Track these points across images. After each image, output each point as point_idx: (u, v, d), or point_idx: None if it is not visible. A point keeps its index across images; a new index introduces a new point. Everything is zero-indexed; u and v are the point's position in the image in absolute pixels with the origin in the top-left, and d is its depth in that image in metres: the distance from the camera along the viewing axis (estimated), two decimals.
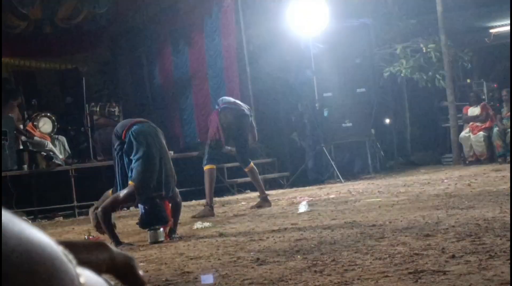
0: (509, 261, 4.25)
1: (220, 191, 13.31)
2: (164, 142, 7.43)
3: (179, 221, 7.76)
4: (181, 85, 16.84)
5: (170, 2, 15.84)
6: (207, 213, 9.52)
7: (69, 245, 0.64)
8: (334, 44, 14.52)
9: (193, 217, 9.45)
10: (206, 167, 10.05)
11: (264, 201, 10.08)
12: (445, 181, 11.08)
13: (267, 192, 12.01)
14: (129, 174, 7.15)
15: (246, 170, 10.28)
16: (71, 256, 0.62)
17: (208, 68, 16.08)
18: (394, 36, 16.25)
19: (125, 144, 7.18)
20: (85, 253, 0.67)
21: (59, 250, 0.61)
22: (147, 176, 7.03)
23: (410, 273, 4.25)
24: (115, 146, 7.29)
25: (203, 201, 11.10)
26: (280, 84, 15.86)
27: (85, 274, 0.63)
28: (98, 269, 0.68)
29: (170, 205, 7.44)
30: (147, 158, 7.07)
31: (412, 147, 17.15)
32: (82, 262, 0.63)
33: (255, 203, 10.45)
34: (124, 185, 7.23)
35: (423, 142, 17.22)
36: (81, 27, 15.88)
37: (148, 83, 17.43)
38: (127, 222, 9.79)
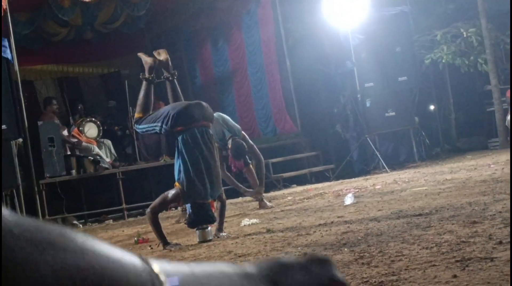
0: None
1: (266, 186, 13.35)
2: (214, 144, 7.38)
3: (225, 219, 7.83)
4: (222, 83, 16.93)
5: (207, 1, 15.93)
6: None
7: None
8: (373, 34, 14.46)
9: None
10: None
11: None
12: (492, 166, 10.96)
13: (313, 185, 12.09)
14: (176, 175, 7.21)
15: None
16: (150, 262, 0.67)
17: (248, 64, 16.15)
18: (434, 23, 16.10)
19: (176, 137, 7.21)
20: None
21: (131, 261, 0.66)
22: (191, 182, 7.04)
23: (457, 261, 4.24)
24: (161, 125, 7.25)
25: (249, 198, 11.18)
26: (320, 77, 15.85)
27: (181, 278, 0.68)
28: None
29: (215, 203, 7.53)
30: (193, 164, 7.08)
31: (457, 133, 17.00)
32: None
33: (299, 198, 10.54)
34: None
35: (469, 128, 17.06)
36: (120, 31, 16.06)
37: (189, 82, 17.56)
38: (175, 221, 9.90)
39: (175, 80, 7.67)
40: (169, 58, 7.78)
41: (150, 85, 7.55)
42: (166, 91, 7.82)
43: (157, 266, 0.68)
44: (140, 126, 7.45)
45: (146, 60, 7.74)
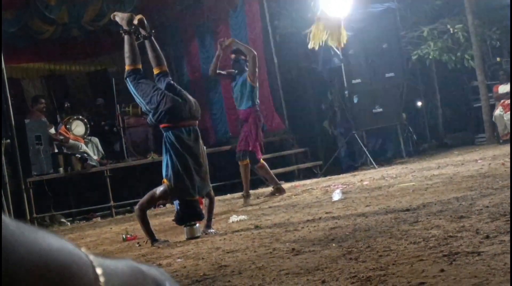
0: None
1: (254, 183, 13.36)
2: (200, 142, 7.38)
3: (213, 216, 7.83)
4: (209, 80, 16.88)
5: None
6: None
7: None
8: (360, 30, 14.48)
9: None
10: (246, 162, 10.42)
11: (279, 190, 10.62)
12: (479, 161, 11.00)
13: (301, 182, 12.11)
14: (164, 172, 7.20)
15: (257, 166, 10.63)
16: (92, 257, 0.66)
17: None
18: (421, 19, 16.15)
19: (163, 132, 7.25)
20: None
21: (76, 254, 0.64)
22: (179, 179, 7.04)
23: (444, 255, 4.25)
24: (148, 110, 7.32)
25: (237, 194, 11.19)
26: (308, 73, 15.86)
27: (108, 272, 0.66)
28: None
29: (203, 200, 7.53)
30: (180, 161, 7.08)
31: (444, 129, 17.06)
32: None
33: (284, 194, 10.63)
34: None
35: (456, 123, 17.13)
36: (107, 28, 15.99)
37: (177, 79, 17.50)
38: (163, 219, 9.89)
39: (153, 38, 7.65)
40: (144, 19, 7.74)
41: (131, 38, 7.48)
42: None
43: (95, 259, 0.67)
44: (132, 86, 7.34)
45: (122, 16, 7.67)
